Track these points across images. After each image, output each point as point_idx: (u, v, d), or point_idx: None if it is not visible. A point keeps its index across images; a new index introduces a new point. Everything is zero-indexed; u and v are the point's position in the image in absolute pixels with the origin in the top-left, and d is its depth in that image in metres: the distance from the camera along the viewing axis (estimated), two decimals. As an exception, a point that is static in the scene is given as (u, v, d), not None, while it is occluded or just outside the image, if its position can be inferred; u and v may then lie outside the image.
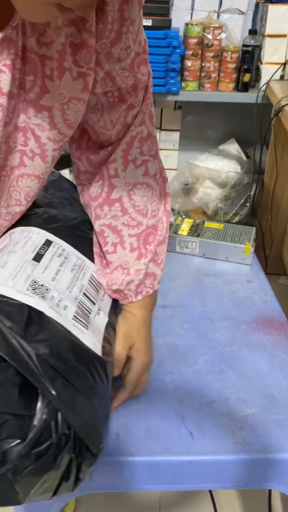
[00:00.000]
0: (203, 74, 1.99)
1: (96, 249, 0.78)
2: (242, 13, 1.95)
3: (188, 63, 1.96)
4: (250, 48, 1.94)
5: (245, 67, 1.94)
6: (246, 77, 1.96)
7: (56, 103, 0.60)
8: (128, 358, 0.73)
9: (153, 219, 0.77)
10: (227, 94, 2.01)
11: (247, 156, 2.25)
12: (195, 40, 1.91)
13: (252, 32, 1.95)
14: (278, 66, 1.94)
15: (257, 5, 1.98)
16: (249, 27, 1.99)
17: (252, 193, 2.11)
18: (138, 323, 0.76)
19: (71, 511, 1.24)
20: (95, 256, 0.77)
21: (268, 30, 1.90)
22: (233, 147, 2.26)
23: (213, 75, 1.98)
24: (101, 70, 0.62)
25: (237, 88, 2.01)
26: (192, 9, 1.96)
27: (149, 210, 0.76)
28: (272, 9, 1.87)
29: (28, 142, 0.63)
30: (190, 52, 1.93)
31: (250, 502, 1.28)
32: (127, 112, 0.69)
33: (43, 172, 0.67)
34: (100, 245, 0.77)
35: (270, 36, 1.91)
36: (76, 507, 1.25)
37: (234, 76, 1.99)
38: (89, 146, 0.75)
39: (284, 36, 1.90)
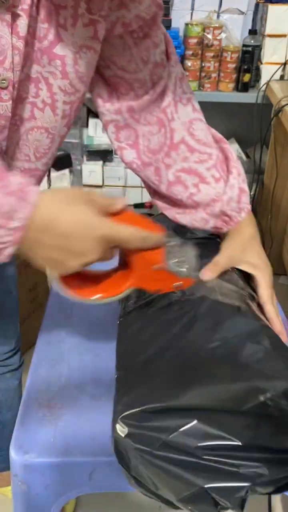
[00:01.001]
0: (203, 74, 1.99)
1: (178, 199, 0.77)
2: (242, 13, 1.95)
3: (188, 63, 1.96)
4: (250, 48, 1.94)
5: (245, 67, 1.94)
6: (246, 77, 1.96)
7: (69, 51, 0.61)
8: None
9: (216, 146, 0.77)
10: (227, 94, 2.01)
11: (247, 156, 2.25)
12: (195, 40, 1.91)
13: (252, 32, 1.95)
14: (278, 66, 1.94)
15: (257, 5, 1.98)
16: (249, 27, 1.99)
17: (252, 193, 2.11)
18: (248, 240, 0.75)
19: (71, 510, 1.24)
20: (178, 209, 0.78)
21: (268, 30, 1.90)
22: (233, 147, 2.25)
23: (213, 75, 1.98)
24: (127, 11, 0.64)
25: (237, 88, 2.01)
26: (192, 9, 1.96)
27: (211, 141, 0.76)
28: (272, 9, 1.87)
29: (40, 93, 0.64)
30: (190, 52, 1.93)
31: (250, 502, 1.28)
32: (154, 49, 0.70)
33: (53, 126, 0.67)
34: (178, 195, 0.76)
35: (270, 36, 1.91)
36: (76, 507, 1.25)
37: (234, 76, 1.99)
38: (126, 95, 0.73)
39: (284, 36, 1.90)
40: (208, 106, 2.18)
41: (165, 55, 0.72)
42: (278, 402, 0.52)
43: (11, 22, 0.56)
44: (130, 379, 0.59)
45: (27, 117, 0.65)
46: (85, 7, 0.60)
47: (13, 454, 0.64)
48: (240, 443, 0.53)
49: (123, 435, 0.53)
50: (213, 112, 2.27)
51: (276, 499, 1.25)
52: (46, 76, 0.63)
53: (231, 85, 2.01)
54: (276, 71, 1.94)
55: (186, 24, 1.92)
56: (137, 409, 0.53)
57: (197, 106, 0.76)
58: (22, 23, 0.57)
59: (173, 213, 0.79)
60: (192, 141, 0.74)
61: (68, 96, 0.66)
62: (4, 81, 0.59)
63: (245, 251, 0.74)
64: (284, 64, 1.95)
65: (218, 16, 1.96)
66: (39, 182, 0.74)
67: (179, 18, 1.94)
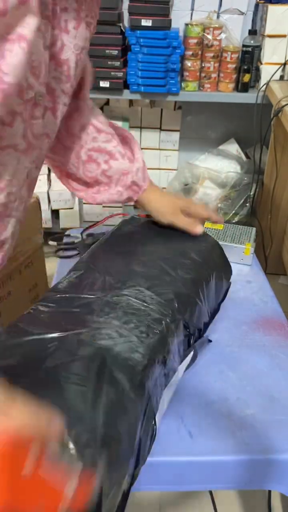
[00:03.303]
0: (203, 75, 1.99)
1: (90, 180, 0.87)
2: (242, 13, 1.95)
3: (188, 63, 1.96)
4: (250, 49, 1.94)
5: (245, 67, 1.94)
6: (246, 78, 1.96)
7: (72, 54, 0.61)
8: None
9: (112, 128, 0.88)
10: (227, 94, 2.01)
11: (247, 156, 2.25)
12: (195, 41, 1.91)
13: (252, 32, 1.95)
14: (278, 66, 1.94)
15: (257, 5, 1.98)
16: (249, 27, 1.99)
17: (252, 193, 2.11)
18: (160, 197, 0.90)
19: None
20: (93, 190, 0.89)
21: (268, 30, 1.90)
22: (233, 147, 2.26)
23: (213, 75, 1.98)
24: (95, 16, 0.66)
25: (237, 88, 2.01)
26: (192, 9, 1.96)
27: (109, 123, 0.88)
28: (272, 9, 1.87)
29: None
30: (190, 53, 1.93)
31: (250, 502, 1.28)
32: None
33: (52, 130, 0.67)
34: (92, 172, 0.86)
35: (270, 36, 1.91)
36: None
37: (234, 76, 1.99)
38: None
39: (284, 36, 1.90)
40: (208, 106, 2.20)
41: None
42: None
43: (44, 32, 0.54)
44: None
45: None
46: (86, 9, 0.60)
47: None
48: None
49: None
50: (213, 112, 2.27)
51: (276, 498, 1.25)
52: (49, 81, 0.61)
53: (231, 85, 2.01)
54: (276, 71, 1.94)
55: (186, 24, 1.92)
56: None
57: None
58: (48, 32, 0.55)
59: (90, 194, 0.88)
60: (98, 123, 0.84)
61: (68, 98, 0.66)
62: (41, 97, 0.57)
63: (167, 207, 0.89)
64: (284, 64, 1.95)
65: (218, 17, 1.96)
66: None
67: (179, 18, 1.94)
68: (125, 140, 0.89)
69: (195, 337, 0.75)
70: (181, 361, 0.71)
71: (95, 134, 0.84)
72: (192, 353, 0.75)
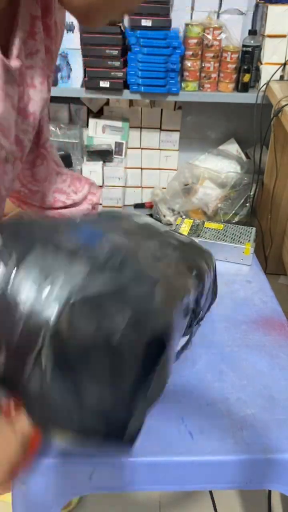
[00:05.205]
0: (203, 75, 1.99)
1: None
2: (242, 13, 1.95)
3: (188, 64, 1.96)
4: (250, 49, 1.94)
5: (245, 67, 1.95)
6: (246, 78, 1.97)
7: (37, 107, 0.62)
8: None
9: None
10: (227, 94, 2.01)
11: (247, 156, 2.25)
12: (195, 41, 1.91)
13: (252, 32, 1.95)
14: (277, 66, 1.94)
15: (257, 5, 1.98)
16: (249, 27, 1.99)
17: (252, 193, 2.11)
18: None
19: (68, 510, 1.24)
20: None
21: (268, 30, 1.90)
22: (233, 147, 2.26)
23: (213, 75, 1.98)
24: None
25: (237, 89, 2.01)
26: (192, 9, 1.96)
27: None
28: (272, 9, 1.87)
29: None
30: (190, 53, 1.93)
31: (250, 502, 1.28)
32: None
33: (19, 170, 0.68)
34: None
35: (270, 36, 1.91)
36: (77, 505, 1.25)
37: (234, 76, 1.99)
38: None
39: (284, 36, 1.90)
40: (208, 106, 2.20)
41: None
42: None
43: (12, 95, 0.55)
44: None
45: None
46: (49, 64, 0.62)
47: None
48: None
49: None
50: (213, 112, 2.27)
51: (276, 498, 1.25)
52: (17, 133, 0.62)
53: (231, 86, 2.01)
54: (276, 71, 1.94)
55: (186, 25, 1.92)
56: None
57: None
58: (15, 93, 0.56)
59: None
60: (56, 167, 0.86)
61: (31, 142, 0.67)
62: (11, 155, 0.59)
63: None
64: (284, 64, 1.95)
65: (218, 17, 1.96)
66: None
67: (179, 18, 1.93)
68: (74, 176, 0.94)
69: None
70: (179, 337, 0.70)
71: (55, 177, 0.88)
72: (188, 337, 0.74)
